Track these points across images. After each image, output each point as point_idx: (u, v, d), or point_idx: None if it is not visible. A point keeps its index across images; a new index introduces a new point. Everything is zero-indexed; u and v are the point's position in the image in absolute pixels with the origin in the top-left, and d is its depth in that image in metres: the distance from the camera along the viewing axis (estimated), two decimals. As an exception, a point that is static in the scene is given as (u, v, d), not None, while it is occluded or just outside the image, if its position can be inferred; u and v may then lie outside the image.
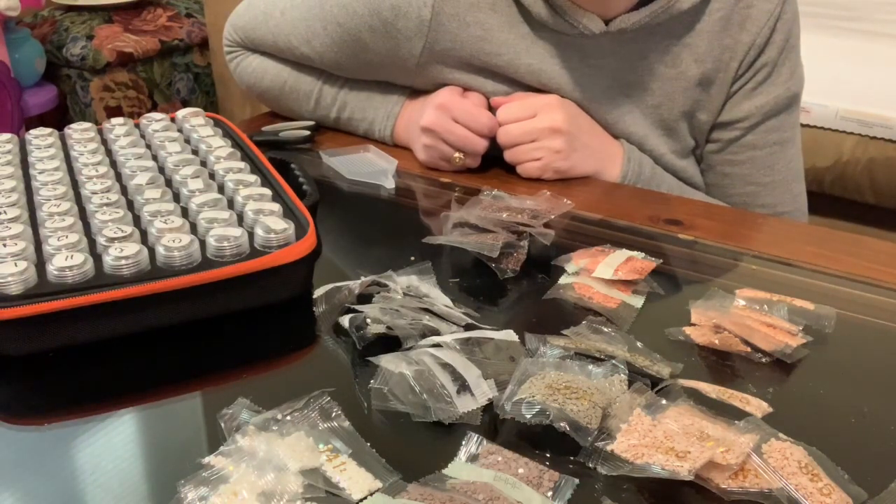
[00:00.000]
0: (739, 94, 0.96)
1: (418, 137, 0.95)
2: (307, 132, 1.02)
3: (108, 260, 0.60)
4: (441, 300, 0.67)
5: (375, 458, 0.51)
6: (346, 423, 0.53)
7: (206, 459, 0.50)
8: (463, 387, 0.56)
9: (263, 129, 1.02)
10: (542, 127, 0.91)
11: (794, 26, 0.95)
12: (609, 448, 0.51)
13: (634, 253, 0.75)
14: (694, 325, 0.66)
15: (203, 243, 0.63)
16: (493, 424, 0.55)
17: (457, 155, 0.93)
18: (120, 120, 0.87)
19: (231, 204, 0.70)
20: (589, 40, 0.91)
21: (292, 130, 1.02)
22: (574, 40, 0.92)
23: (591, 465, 0.51)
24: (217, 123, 0.87)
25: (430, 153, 0.94)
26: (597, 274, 0.71)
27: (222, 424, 0.53)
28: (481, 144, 0.93)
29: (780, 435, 0.53)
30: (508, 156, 0.93)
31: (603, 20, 0.89)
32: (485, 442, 0.52)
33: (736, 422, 0.53)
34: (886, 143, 1.70)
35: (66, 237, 0.63)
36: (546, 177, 0.92)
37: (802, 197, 1.03)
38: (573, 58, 0.93)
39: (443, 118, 0.92)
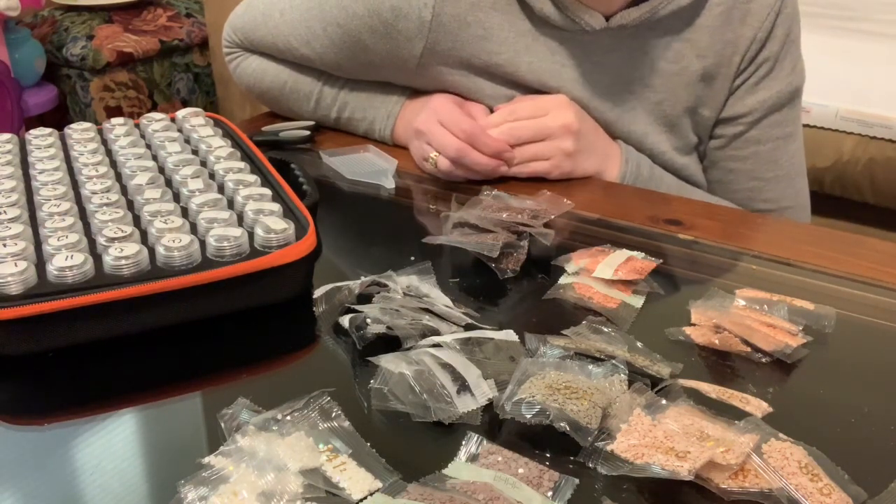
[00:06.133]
0: (742, 89, 0.96)
1: (411, 139, 0.95)
2: (307, 132, 1.02)
3: (108, 260, 0.60)
4: (441, 300, 0.67)
5: (375, 458, 0.51)
6: (346, 423, 0.53)
7: (206, 459, 0.50)
8: (463, 387, 0.56)
9: (263, 129, 1.02)
10: (556, 125, 0.90)
11: (794, 20, 0.95)
12: (609, 448, 0.51)
13: (634, 253, 0.75)
14: (694, 325, 0.66)
15: (203, 243, 0.63)
16: (493, 424, 0.55)
17: (431, 155, 0.90)
18: (120, 120, 0.87)
19: (231, 204, 0.70)
20: (590, 37, 0.92)
21: (292, 130, 1.02)
22: (575, 37, 0.92)
23: (591, 465, 0.51)
24: (217, 123, 0.87)
25: (416, 154, 0.94)
26: (597, 274, 0.71)
27: (222, 424, 0.53)
28: (452, 144, 0.88)
29: (780, 435, 0.53)
30: (516, 154, 0.92)
31: (604, 16, 0.89)
32: (485, 442, 0.52)
33: (736, 422, 0.53)
34: (886, 143, 1.70)
35: (66, 237, 0.63)
36: (552, 177, 0.92)
37: (805, 192, 1.03)
38: (575, 55, 0.93)
39: (430, 120, 0.92)
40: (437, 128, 0.91)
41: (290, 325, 0.66)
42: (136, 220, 0.67)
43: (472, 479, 0.49)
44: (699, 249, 0.81)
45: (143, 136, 0.84)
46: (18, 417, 0.58)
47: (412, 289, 0.67)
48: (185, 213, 0.69)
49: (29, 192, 0.73)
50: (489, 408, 0.56)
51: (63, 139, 0.84)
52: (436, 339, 0.60)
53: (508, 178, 0.92)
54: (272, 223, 0.65)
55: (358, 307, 0.64)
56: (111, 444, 0.54)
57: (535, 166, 0.91)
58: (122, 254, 0.60)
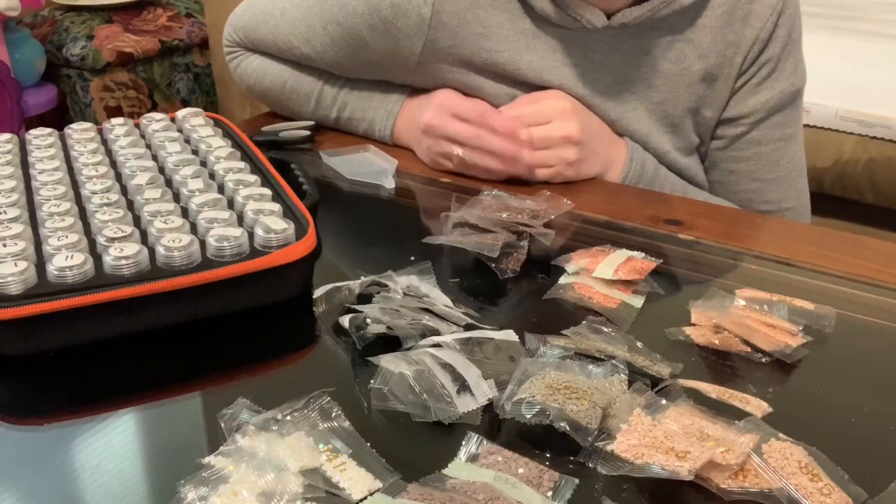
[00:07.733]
0: (744, 90, 0.96)
1: (420, 139, 0.95)
2: (307, 132, 1.02)
3: (108, 260, 0.60)
4: (441, 300, 0.67)
5: (375, 458, 0.51)
6: (346, 423, 0.53)
7: (206, 459, 0.50)
8: (463, 387, 0.56)
9: (263, 129, 1.02)
10: (558, 136, 0.90)
11: (796, 21, 0.95)
12: (609, 448, 0.51)
13: (634, 253, 0.75)
14: (694, 325, 0.66)
15: (203, 243, 0.63)
16: (493, 424, 0.55)
17: (457, 151, 0.92)
18: (120, 120, 0.87)
19: (231, 204, 0.70)
20: (591, 35, 0.91)
21: (292, 130, 1.02)
22: (577, 35, 0.92)
23: (591, 465, 0.51)
24: (217, 123, 0.87)
25: (431, 152, 0.94)
26: (597, 274, 0.71)
27: (222, 424, 0.53)
28: (466, 129, 0.90)
29: (780, 435, 0.53)
30: None
31: (605, 15, 0.89)
32: (485, 442, 0.52)
33: (736, 422, 0.53)
34: (886, 143, 1.70)
35: (66, 237, 0.63)
36: (553, 181, 0.92)
37: (806, 193, 1.04)
38: (576, 53, 0.92)
39: (440, 114, 0.92)
40: (450, 119, 0.91)
41: (290, 325, 0.66)
42: (136, 220, 0.67)
43: (472, 479, 0.49)
44: (699, 249, 0.81)
45: (143, 136, 0.84)
46: (18, 417, 0.58)
47: (412, 289, 0.67)
48: (185, 213, 0.69)
49: (29, 192, 0.73)
50: (489, 408, 0.56)
51: (63, 139, 0.84)
52: (436, 339, 0.60)
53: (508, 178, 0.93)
54: (272, 223, 0.65)
55: (358, 307, 0.64)
56: (111, 444, 0.54)
57: (536, 172, 0.92)
58: (122, 254, 0.60)
